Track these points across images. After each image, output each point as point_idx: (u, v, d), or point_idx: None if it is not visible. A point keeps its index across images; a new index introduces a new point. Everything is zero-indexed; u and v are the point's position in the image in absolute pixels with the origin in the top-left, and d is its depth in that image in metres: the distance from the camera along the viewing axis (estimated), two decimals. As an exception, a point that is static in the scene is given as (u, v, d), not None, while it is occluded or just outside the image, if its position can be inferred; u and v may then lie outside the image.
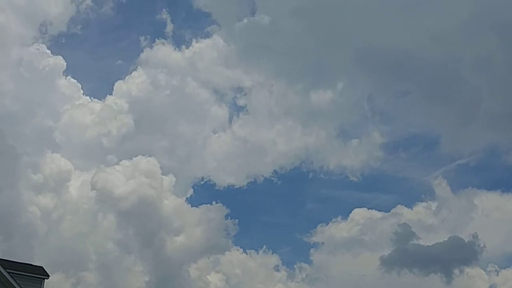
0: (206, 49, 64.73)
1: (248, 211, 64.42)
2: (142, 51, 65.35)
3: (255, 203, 66.33)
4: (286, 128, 63.74)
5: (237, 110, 64.26)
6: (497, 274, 56.24)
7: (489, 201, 61.22)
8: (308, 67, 65.95)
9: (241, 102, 64.09)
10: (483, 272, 55.67)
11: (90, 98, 60.84)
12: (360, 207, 60.75)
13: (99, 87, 75.73)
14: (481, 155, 64.85)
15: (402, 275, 52.96)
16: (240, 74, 65.09)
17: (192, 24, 74.53)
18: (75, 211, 52.44)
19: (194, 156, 62.34)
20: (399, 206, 60.13)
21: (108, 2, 67.97)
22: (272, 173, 60.81)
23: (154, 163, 54.68)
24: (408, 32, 61.63)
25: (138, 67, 63.25)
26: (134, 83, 61.34)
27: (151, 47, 64.83)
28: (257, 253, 57.77)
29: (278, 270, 57.23)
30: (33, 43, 58.67)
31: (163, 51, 64.97)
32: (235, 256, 56.17)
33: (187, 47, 65.64)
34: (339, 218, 60.23)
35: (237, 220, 56.31)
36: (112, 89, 61.76)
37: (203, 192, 60.60)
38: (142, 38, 66.57)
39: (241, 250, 56.56)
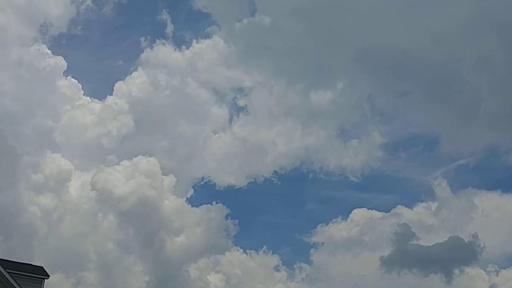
0: (206, 49, 64.96)
1: (248, 211, 64.59)
2: (143, 51, 65.59)
3: (255, 203, 66.53)
4: (286, 128, 63.93)
5: (237, 110, 64.51)
6: (497, 274, 56.37)
7: (489, 201, 61.39)
8: (308, 67, 66.16)
9: (241, 102, 64.34)
10: (483, 272, 55.80)
11: (90, 99, 61.12)
12: (360, 207, 60.99)
13: (99, 88, 76.12)
14: (481, 155, 65.04)
15: (402, 275, 53.06)
16: (240, 74, 65.21)
17: (192, 25, 74.79)
18: (75, 211, 52.59)
19: (194, 156, 62.52)
20: (399, 206, 60.30)
21: (108, 3, 67.98)
22: (272, 173, 60.98)
23: (154, 163, 54.80)
24: (408, 32, 61.81)
25: (139, 67, 63.55)
26: (135, 83, 61.58)
27: (152, 47, 65.05)
28: (257, 253, 57.91)
29: (278, 270, 57.38)
30: (33, 44, 58.95)
31: (163, 51, 65.21)
32: (235, 256, 56.30)
33: (187, 48, 65.83)
34: (339, 218, 60.41)
35: (237, 220, 56.47)
36: (113, 90, 62.02)
37: (203, 192, 60.79)
38: (142, 39, 66.69)
39: (241, 250, 56.71)
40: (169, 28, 66.63)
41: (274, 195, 65.84)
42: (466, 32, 60.78)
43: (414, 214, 59.06)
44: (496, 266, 56.31)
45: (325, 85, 66.21)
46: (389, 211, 59.49)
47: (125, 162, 54.80)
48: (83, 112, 59.68)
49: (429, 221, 59.39)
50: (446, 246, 53.30)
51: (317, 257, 58.72)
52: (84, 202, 53.01)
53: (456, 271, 53.33)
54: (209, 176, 59.85)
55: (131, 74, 62.83)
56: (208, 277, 52.31)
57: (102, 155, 57.17)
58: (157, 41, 64.92)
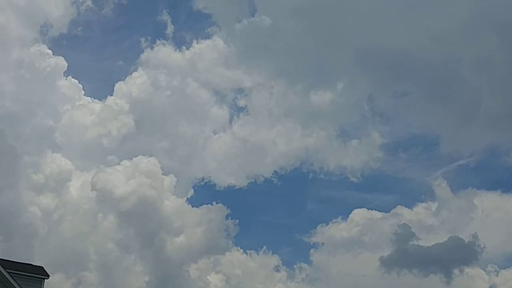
0: (207, 50, 65.05)
1: (248, 211, 64.61)
2: (143, 52, 65.68)
3: (256, 204, 66.54)
4: (286, 128, 63.98)
5: (237, 110, 64.55)
6: (497, 275, 56.33)
7: (489, 202, 61.39)
8: (308, 67, 66.28)
9: (241, 102, 64.42)
10: (483, 272, 55.80)
11: (91, 99, 61.19)
12: (360, 208, 60.97)
13: (100, 88, 76.25)
14: (481, 155, 65.03)
15: (402, 275, 53.07)
16: (240, 74, 65.29)
17: (192, 25, 74.99)
18: (76, 211, 52.61)
19: (195, 156, 62.56)
20: (399, 206, 60.33)
21: (108, 4, 68.08)
22: (272, 174, 61.05)
23: (154, 163, 54.85)
24: (408, 32, 61.86)
25: (139, 67, 63.59)
26: (135, 83, 61.63)
27: (152, 48, 65.17)
28: (257, 254, 57.90)
29: (278, 271, 57.39)
30: (34, 44, 59.01)
31: (163, 52, 65.33)
32: (235, 256, 56.30)
33: (188, 48, 65.91)
34: (339, 218, 60.45)
35: (237, 221, 56.48)
36: (113, 90, 62.10)
37: (204, 193, 60.84)
38: (142, 39, 66.73)
39: (241, 250, 56.70)
40: (169, 29, 66.93)
41: (274, 195, 66.02)
42: (466, 32, 60.96)
43: (414, 215, 59.20)
44: (496, 266, 56.42)
45: (325, 85, 66.32)
46: (389, 212, 59.66)
47: (125, 162, 54.97)
48: (83, 112, 59.89)
49: (429, 221, 59.54)
50: (446, 246, 53.45)
51: (317, 257, 58.87)
52: (85, 202, 53.17)
53: (456, 271, 53.49)
54: (209, 176, 60.05)
55: (131, 74, 63.05)
56: (208, 277, 52.44)
57: (102, 155, 57.35)
58: (157, 41, 65.24)
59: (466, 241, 54.06)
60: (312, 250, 59.18)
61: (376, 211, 59.81)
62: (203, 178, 60.08)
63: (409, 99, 66.88)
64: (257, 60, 65.55)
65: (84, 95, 60.71)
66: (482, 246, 53.62)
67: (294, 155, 62.55)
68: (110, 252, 50.97)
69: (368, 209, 60.15)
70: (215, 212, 56.47)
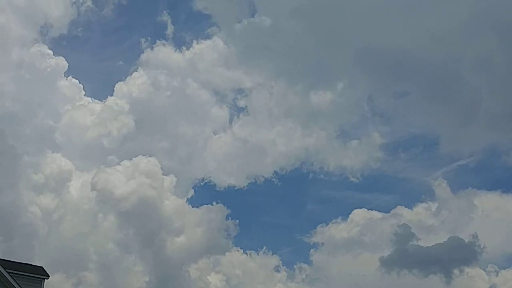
0: (207, 50, 65.07)
1: (248, 211, 64.61)
2: (143, 52, 65.66)
3: (256, 204, 66.53)
4: (286, 129, 63.97)
5: (237, 111, 64.54)
6: (497, 275, 56.30)
7: (489, 202, 61.36)
8: (308, 67, 66.30)
9: (241, 103, 64.41)
10: (483, 272, 55.77)
11: (91, 99, 61.22)
12: (360, 208, 60.96)
13: (100, 88, 76.10)
14: (481, 156, 65.01)
15: (401, 275, 53.05)
16: (241, 75, 65.30)
17: (192, 26, 74.83)
18: (76, 211, 52.62)
19: (195, 156, 62.57)
20: (399, 206, 60.32)
21: (108, 4, 68.14)
22: (273, 174, 61.05)
23: (154, 164, 54.87)
24: (408, 32, 61.86)
25: (139, 68, 63.60)
26: (135, 84, 61.66)
27: (152, 48, 65.18)
28: (257, 254, 57.90)
29: (278, 271, 57.38)
30: (34, 44, 59.04)
31: (163, 52, 65.32)
32: (235, 256, 56.29)
33: (188, 49, 65.90)
34: (339, 218, 60.44)
35: (237, 221, 56.49)
36: (113, 90, 62.14)
37: (204, 193, 60.83)
38: (142, 40, 66.69)
39: (241, 250, 56.72)
40: (170, 29, 66.95)
41: (274, 196, 65.97)
42: (466, 32, 60.96)
43: (414, 215, 59.20)
44: (496, 267, 56.40)
45: (325, 85, 66.33)
46: (389, 212, 59.63)
47: (126, 162, 54.99)
48: (83, 113, 59.94)
49: (429, 221, 59.52)
50: (446, 247, 53.42)
51: (317, 257, 58.86)
52: (85, 202, 53.18)
53: (456, 271, 53.44)
54: (210, 177, 60.07)
55: (131, 74, 63.04)
56: (208, 277, 52.45)
57: (102, 155, 57.36)
58: (158, 42, 65.26)
59: (466, 241, 54.19)
60: (312, 250, 59.31)
61: (376, 211, 59.94)
62: (203, 178, 60.24)
63: (409, 99, 67.03)
64: (257, 60, 65.71)
65: (85, 95, 61.02)
66: (482, 246, 53.75)
67: (294, 155, 62.67)
68: (110, 252, 51.10)
69: (368, 209, 60.29)
70: (215, 212, 56.60)
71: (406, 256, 54.16)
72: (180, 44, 72.22)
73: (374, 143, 63.86)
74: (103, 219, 52.47)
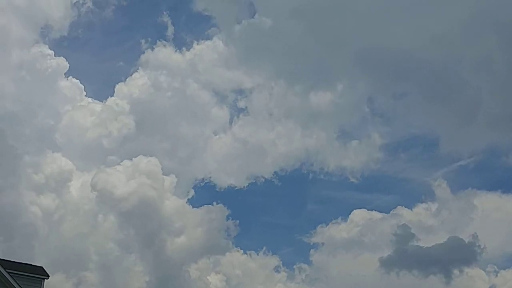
0: (207, 51, 65.13)
1: (248, 212, 64.66)
2: (143, 53, 65.70)
3: (256, 204, 66.58)
4: (286, 129, 64.04)
5: (237, 111, 64.57)
6: (497, 275, 56.31)
7: (489, 202, 61.37)
8: (308, 68, 66.31)
9: (241, 103, 64.44)
10: (482, 272, 55.82)
11: (91, 99, 61.35)
12: (360, 208, 61.05)
13: (100, 89, 76.21)
14: (481, 156, 64.91)
15: (401, 276, 53.09)
16: (241, 75, 65.35)
17: (192, 27, 75.06)
18: (76, 211, 52.76)
19: (195, 157, 62.63)
20: (399, 207, 60.36)
21: (109, 5, 68.28)
22: (273, 174, 61.10)
23: (155, 164, 54.94)
24: (408, 32, 61.79)
25: (139, 68, 63.70)
26: (135, 84, 61.74)
27: (152, 49, 65.22)
28: (257, 254, 58.00)
29: (278, 271, 57.44)
30: (34, 45, 59.13)
31: (164, 53, 65.35)
32: (236, 257, 56.36)
33: (188, 49, 65.97)
34: (339, 219, 60.48)
35: (237, 221, 56.59)
36: (114, 91, 62.22)
37: (204, 193, 60.93)
38: (143, 41, 66.67)
39: (242, 251, 56.80)
40: (170, 30, 67.09)
41: (275, 196, 65.98)
42: (466, 32, 60.94)
43: (414, 215, 59.24)
44: (495, 267, 56.38)
45: (325, 86, 66.38)
46: (389, 212, 59.67)
47: (126, 163, 55.06)
48: (84, 113, 60.05)
49: (429, 222, 59.59)
50: (446, 247, 53.46)
51: (317, 257, 58.91)
52: (85, 202, 53.29)
53: (456, 271, 53.47)
54: (210, 177, 60.15)
55: (132, 75, 63.09)
56: (208, 277, 52.54)
57: (103, 155, 57.47)
58: (158, 42, 65.41)
59: (466, 241, 54.22)
60: (312, 251, 59.35)
61: (376, 212, 59.97)
62: (203, 179, 60.32)
63: (409, 100, 66.90)
64: (257, 61, 65.71)
65: (85, 95, 61.17)
66: (482, 247, 53.77)
67: (294, 156, 62.78)
68: (111, 252, 51.16)
69: (368, 210, 60.34)
70: (216, 212, 56.68)
71: (406, 256, 54.35)
72: (180, 45, 72.56)
73: (374, 143, 64.04)
74: (103, 219, 52.68)
